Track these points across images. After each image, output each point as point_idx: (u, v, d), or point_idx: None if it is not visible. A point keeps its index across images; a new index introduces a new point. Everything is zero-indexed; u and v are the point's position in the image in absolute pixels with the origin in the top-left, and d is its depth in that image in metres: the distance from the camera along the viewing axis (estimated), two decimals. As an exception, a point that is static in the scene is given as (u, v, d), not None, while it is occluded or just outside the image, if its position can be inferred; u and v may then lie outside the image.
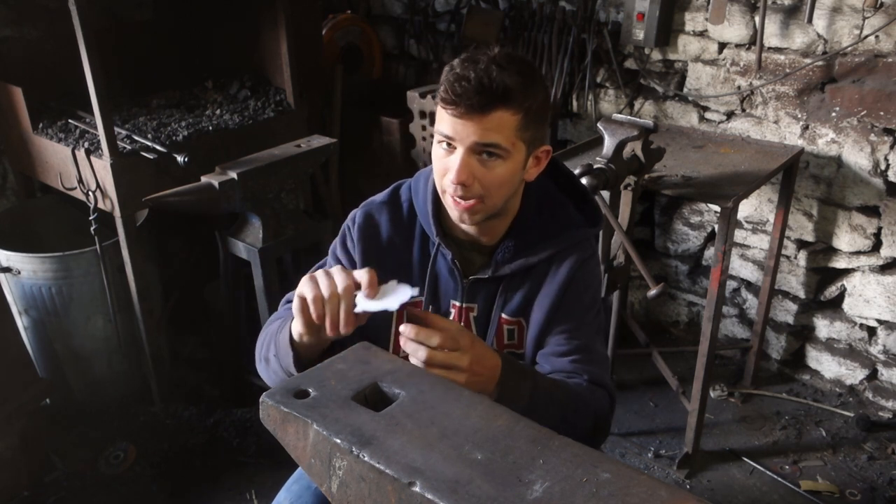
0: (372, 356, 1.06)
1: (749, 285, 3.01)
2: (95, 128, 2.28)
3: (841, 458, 2.55)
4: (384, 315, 1.38)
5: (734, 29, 2.67)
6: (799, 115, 2.63)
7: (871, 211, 2.59)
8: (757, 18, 2.57)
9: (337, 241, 1.45)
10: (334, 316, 1.12)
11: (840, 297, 2.79)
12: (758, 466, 2.50)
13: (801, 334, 2.93)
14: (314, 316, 1.13)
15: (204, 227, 2.70)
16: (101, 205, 2.34)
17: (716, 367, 2.88)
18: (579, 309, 1.37)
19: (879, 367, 2.76)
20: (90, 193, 2.33)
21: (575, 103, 3.16)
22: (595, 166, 2.04)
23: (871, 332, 2.75)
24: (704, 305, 2.76)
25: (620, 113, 2.91)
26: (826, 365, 2.88)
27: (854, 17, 2.40)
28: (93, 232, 2.34)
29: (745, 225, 2.90)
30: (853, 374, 2.82)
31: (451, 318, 1.41)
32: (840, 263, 2.73)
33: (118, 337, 2.55)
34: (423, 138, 2.90)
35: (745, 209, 2.86)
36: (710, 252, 3.08)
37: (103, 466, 2.40)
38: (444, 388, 0.99)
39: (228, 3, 2.80)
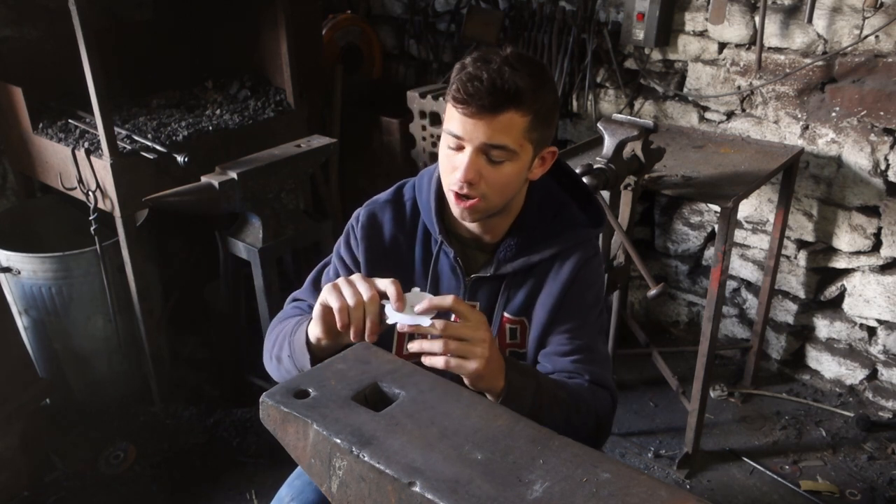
0: (372, 356, 1.06)
1: (749, 285, 3.01)
2: (95, 128, 2.28)
3: (841, 458, 2.55)
4: None
5: (734, 29, 2.67)
6: (799, 115, 2.63)
7: (871, 211, 2.59)
8: (757, 18, 2.57)
9: (341, 241, 1.46)
10: (359, 325, 1.14)
11: (840, 297, 2.79)
12: (758, 466, 2.50)
13: (801, 334, 2.93)
14: (339, 325, 1.14)
15: (204, 227, 2.70)
16: (101, 205, 2.34)
17: (716, 367, 2.88)
18: (582, 308, 1.38)
19: (879, 367, 2.76)
20: (90, 193, 2.33)
21: (575, 103, 3.16)
22: (595, 166, 2.04)
23: (871, 332, 2.75)
24: (704, 305, 2.76)
25: (620, 113, 2.91)
26: (826, 365, 2.88)
27: (854, 17, 2.40)
28: (93, 232, 2.34)
29: (745, 225, 2.90)
30: (853, 374, 2.82)
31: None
32: (840, 263, 2.73)
33: (118, 337, 2.54)
34: (423, 138, 2.90)
35: (745, 209, 2.86)
36: (710, 252, 3.08)
37: (103, 466, 2.40)
38: (444, 388, 0.99)
39: (228, 3, 2.80)
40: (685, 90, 2.88)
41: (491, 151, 1.22)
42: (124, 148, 2.30)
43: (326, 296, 1.15)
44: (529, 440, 0.88)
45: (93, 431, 2.55)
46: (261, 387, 2.59)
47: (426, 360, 1.11)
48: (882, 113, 2.44)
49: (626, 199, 2.24)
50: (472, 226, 1.37)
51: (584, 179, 2.00)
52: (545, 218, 1.38)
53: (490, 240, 1.39)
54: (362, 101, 3.35)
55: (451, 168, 1.26)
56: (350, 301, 1.13)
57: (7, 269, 2.40)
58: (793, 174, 2.54)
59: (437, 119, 2.78)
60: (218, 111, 2.64)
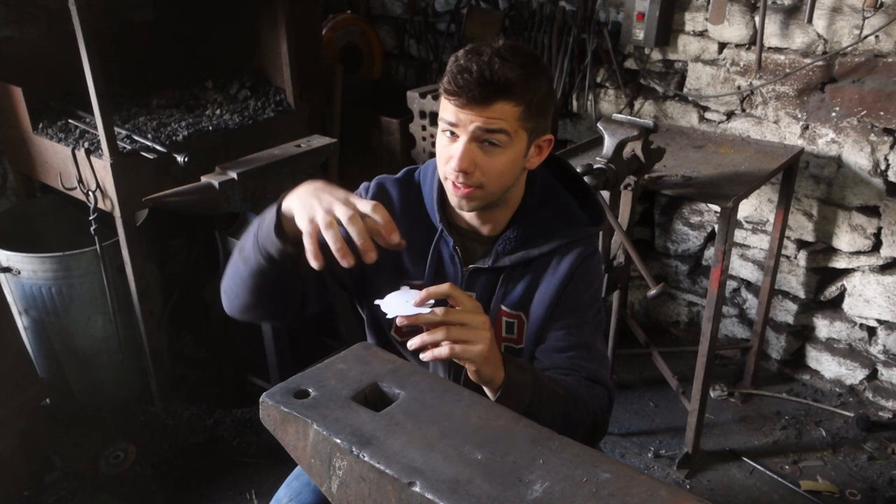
0: (372, 356, 1.06)
1: (749, 285, 3.01)
2: (95, 128, 2.28)
3: (841, 458, 2.55)
4: (392, 281, 1.39)
5: (734, 29, 2.67)
6: (799, 115, 2.63)
7: (871, 211, 2.59)
8: (757, 18, 2.57)
9: None
10: (342, 243, 1.06)
11: (840, 297, 2.79)
12: (758, 466, 2.50)
13: (801, 334, 2.93)
14: (342, 261, 1.06)
15: (204, 227, 2.70)
16: (101, 205, 2.34)
17: (716, 367, 2.89)
18: (580, 305, 1.38)
19: (879, 367, 2.76)
20: (90, 193, 2.33)
21: (575, 103, 3.16)
22: (595, 166, 2.04)
23: (871, 332, 2.75)
24: (704, 305, 2.76)
25: (620, 113, 2.91)
26: (826, 365, 2.88)
27: (854, 17, 2.40)
28: (93, 232, 2.34)
29: (745, 225, 2.90)
30: (853, 374, 2.82)
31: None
32: (840, 263, 2.73)
33: (118, 337, 2.54)
34: (423, 138, 2.90)
35: (745, 209, 2.86)
36: (710, 252, 3.08)
37: (103, 466, 2.40)
38: (444, 388, 0.99)
39: (228, 3, 2.80)
40: (685, 90, 2.88)
41: (484, 137, 1.23)
42: (124, 148, 2.30)
43: (306, 224, 1.08)
44: (529, 440, 0.88)
45: (93, 431, 2.55)
46: (261, 387, 2.59)
47: (428, 355, 1.10)
48: (882, 113, 2.44)
49: (626, 199, 2.24)
50: (470, 217, 1.37)
51: (584, 179, 2.00)
52: (545, 213, 1.39)
53: (489, 232, 1.39)
54: (362, 101, 3.35)
55: (447, 157, 1.27)
56: (344, 217, 1.06)
57: (7, 269, 2.40)
58: (793, 174, 2.54)
59: (437, 119, 2.77)
60: (218, 111, 2.64)
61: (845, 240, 2.67)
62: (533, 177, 1.39)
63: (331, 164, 3.18)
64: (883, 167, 2.51)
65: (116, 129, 2.34)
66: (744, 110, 2.76)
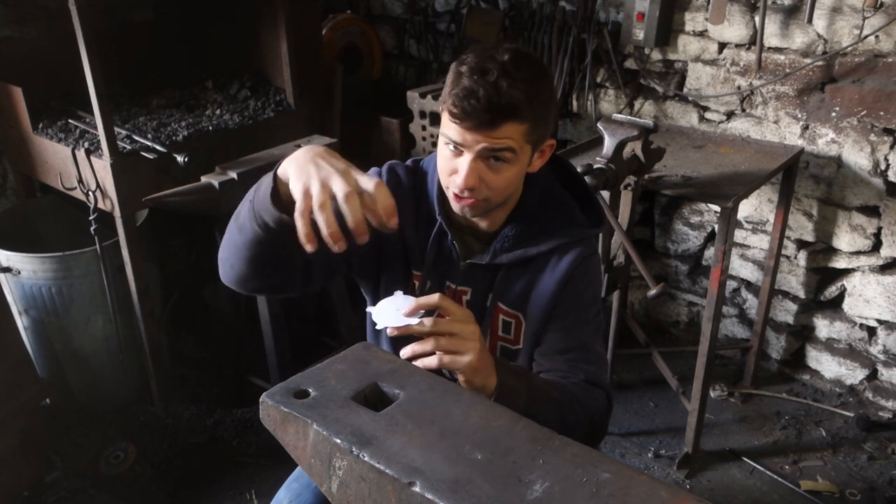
0: (372, 356, 1.06)
1: (749, 285, 3.01)
2: (95, 128, 2.28)
3: (841, 458, 2.55)
4: (393, 278, 1.40)
5: (734, 29, 2.67)
6: (799, 115, 2.63)
7: (871, 211, 2.59)
8: (757, 18, 2.56)
9: None
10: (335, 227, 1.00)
11: (840, 297, 2.79)
12: (758, 466, 2.50)
13: (801, 334, 2.93)
14: (333, 246, 1.00)
15: (204, 227, 2.70)
16: (101, 205, 2.34)
17: (716, 367, 2.89)
18: (579, 306, 1.38)
19: (879, 367, 2.76)
20: (90, 193, 2.33)
21: (575, 103, 3.16)
22: (595, 166, 2.04)
23: (871, 332, 2.75)
24: (704, 305, 2.76)
25: (620, 113, 2.91)
26: (826, 365, 2.88)
27: (854, 17, 2.40)
28: (93, 232, 2.34)
29: (745, 225, 2.90)
30: (853, 374, 2.82)
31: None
32: (840, 263, 2.73)
33: (118, 337, 2.54)
34: (423, 138, 2.90)
35: (745, 209, 2.86)
36: (710, 252, 3.08)
37: (103, 466, 2.40)
38: (444, 388, 0.99)
39: (229, 3, 2.80)
40: (685, 90, 2.88)
41: (490, 155, 1.23)
42: (124, 148, 2.30)
43: (318, 208, 1.00)
44: (529, 440, 0.88)
45: (93, 431, 2.55)
46: (261, 387, 2.59)
47: (419, 364, 1.10)
48: (882, 113, 2.44)
49: (626, 199, 2.24)
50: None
51: (585, 180, 2.00)
52: (545, 212, 1.39)
53: (487, 228, 1.39)
54: (362, 101, 3.35)
55: (451, 170, 1.27)
56: (351, 221, 1.00)
57: (7, 269, 2.40)
58: (793, 174, 2.54)
59: (437, 119, 2.78)
60: (218, 111, 2.64)
61: (845, 240, 2.67)
62: (533, 175, 1.39)
63: (331, 164, 3.17)
64: (883, 167, 2.51)
65: (116, 129, 2.34)
66: (744, 110, 2.76)
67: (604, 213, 1.46)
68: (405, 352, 1.11)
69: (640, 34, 2.78)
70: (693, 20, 2.77)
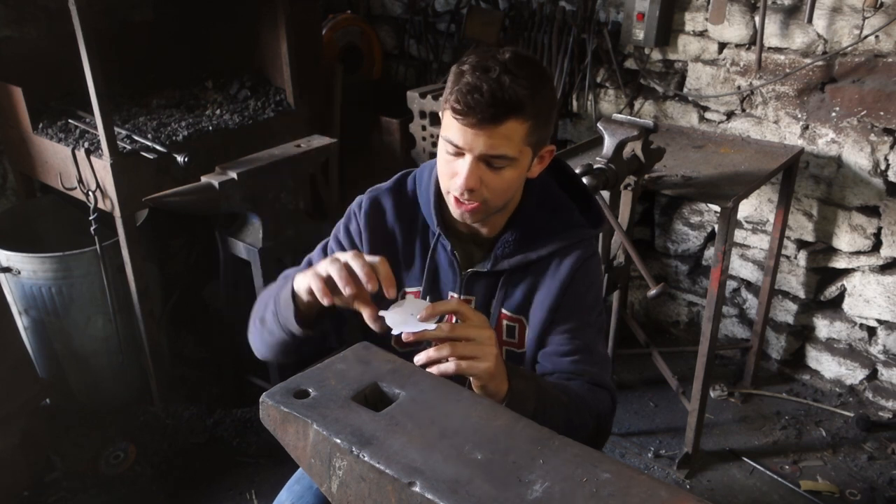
0: (372, 356, 1.06)
1: (749, 285, 3.01)
2: (95, 128, 2.28)
3: (841, 458, 2.55)
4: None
5: (734, 29, 2.67)
6: (799, 115, 2.63)
7: (871, 211, 2.59)
8: (757, 18, 2.57)
9: (340, 225, 1.45)
10: (357, 291, 1.13)
11: (840, 297, 2.79)
12: (758, 466, 2.50)
13: (801, 334, 2.93)
14: (345, 289, 1.12)
15: (204, 227, 2.70)
16: (101, 205, 2.34)
17: (716, 367, 2.88)
18: (581, 308, 1.38)
19: (879, 367, 2.76)
20: (90, 193, 2.33)
21: (575, 103, 3.16)
22: (595, 166, 2.04)
23: (871, 332, 2.75)
24: (704, 305, 2.76)
25: (620, 113, 2.91)
26: (826, 365, 2.88)
27: (854, 17, 2.40)
28: (93, 232, 2.34)
29: (745, 225, 2.90)
30: (853, 374, 2.82)
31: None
32: (840, 263, 2.73)
33: (118, 337, 2.54)
34: (423, 138, 2.90)
35: (745, 209, 2.86)
36: (710, 252, 3.08)
37: (103, 466, 2.40)
38: (444, 388, 0.99)
39: (228, 4, 2.80)
40: (685, 90, 2.88)
41: (491, 160, 1.23)
42: (124, 148, 2.30)
43: (309, 279, 1.15)
44: (529, 440, 0.88)
45: (93, 431, 2.55)
46: (261, 387, 2.59)
47: (434, 371, 1.09)
48: (882, 113, 2.44)
49: (626, 199, 2.24)
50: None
51: (584, 179, 2.00)
52: (544, 215, 1.39)
53: (487, 234, 1.39)
54: (362, 101, 3.35)
55: (451, 173, 1.26)
56: (359, 271, 1.12)
57: (7, 269, 2.40)
58: (793, 174, 2.54)
59: (436, 119, 2.78)
60: (218, 111, 2.64)
61: (845, 240, 2.67)
62: (531, 178, 1.39)
63: (331, 164, 3.18)
64: (883, 167, 2.51)
65: (116, 129, 2.34)
66: (744, 110, 2.76)
67: (603, 213, 1.46)
68: (420, 358, 1.10)
69: (640, 34, 2.78)
70: (693, 20, 2.77)
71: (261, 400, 0.96)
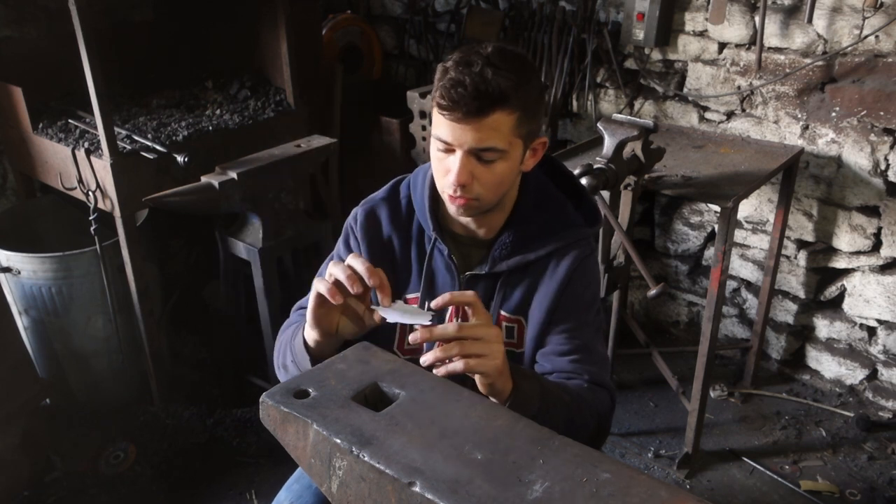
0: (372, 356, 1.06)
1: (749, 285, 3.01)
2: (95, 128, 2.28)
3: (841, 458, 2.55)
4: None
5: (734, 29, 2.67)
6: (799, 115, 2.63)
7: (871, 211, 2.59)
8: (757, 18, 2.57)
9: (340, 243, 1.46)
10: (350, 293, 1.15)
11: (840, 297, 2.79)
12: (758, 466, 2.50)
13: (801, 334, 2.93)
14: (333, 300, 1.13)
15: (204, 227, 2.70)
16: (101, 205, 2.34)
17: (716, 367, 2.89)
18: (579, 308, 1.38)
19: (879, 367, 2.76)
20: (90, 193, 2.33)
21: (575, 103, 3.16)
22: (595, 166, 2.04)
23: (871, 332, 2.75)
24: (704, 305, 2.76)
25: (620, 113, 2.91)
26: (826, 365, 2.88)
27: (854, 17, 2.40)
28: (93, 232, 2.34)
29: (745, 225, 2.90)
30: (853, 374, 2.82)
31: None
32: (840, 263, 2.73)
33: (118, 337, 2.54)
34: (423, 138, 2.90)
35: (745, 209, 2.86)
36: (710, 252, 3.08)
37: (103, 466, 2.40)
38: (444, 388, 0.99)
39: (228, 3, 2.80)
40: (685, 90, 2.88)
41: (481, 153, 1.23)
42: (124, 148, 2.30)
43: (316, 286, 1.16)
44: (529, 440, 0.88)
45: (93, 431, 2.55)
46: (261, 387, 2.59)
47: (442, 370, 1.08)
48: (882, 113, 2.44)
49: (626, 199, 2.24)
50: (466, 222, 1.37)
51: (584, 179, 2.00)
52: (541, 215, 1.38)
53: (484, 236, 1.39)
54: (362, 101, 3.35)
55: (444, 171, 1.26)
56: (342, 276, 1.14)
57: (7, 269, 2.40)
58: (793, 174, 2.54)
59: (437, 119, 2.77)
60: (218, 111, 2.64)
61: (845, 240, 2.67)
62: (527, 178, 1.38)
63: (331, 164, 3.18)
64: (883, 167, 2.51)
65: (116, 129, 2.34)
66: (744, 110, 2.76)
67: (599, 212, 1.46)
68: (427, 358, 1.09)
69: (640, 34, 2.78)
70: (693, 20, 2.77)
71: (261, 400, 0.96)
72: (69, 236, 2.59)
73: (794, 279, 2.86)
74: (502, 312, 1.40)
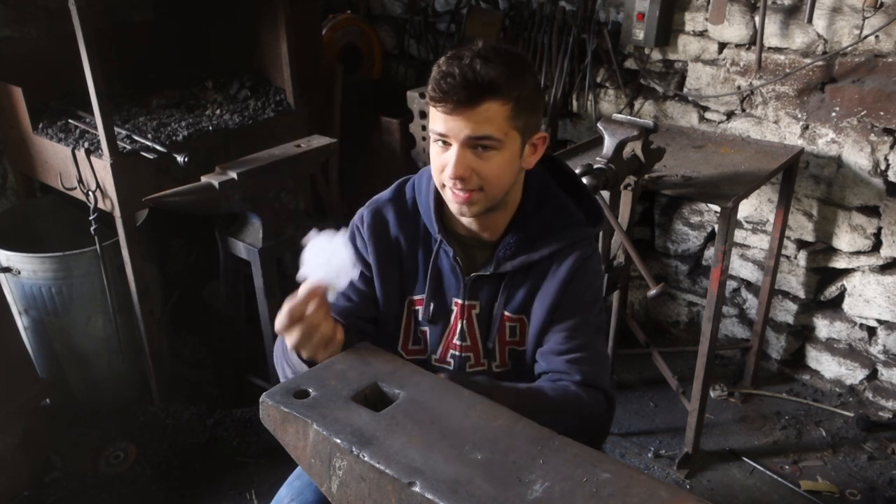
0: (372, 356, 1.06)
1: (749, 285, 3.01)
2: (95, 128, 2.28)
3: (841, 458, 2.55)
4: (398, 302, 1.41)
5: (734, 29, 2.67)
6: (799, 115, 2.63)
7: (871, 211, 2.59)
8: (757, 18, 2.56)
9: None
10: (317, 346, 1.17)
11: (840, 297, 2.79)
12: (758, 466, 2.50)
13: (801, 334, 2.93)
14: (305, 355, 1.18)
15: (204, 227, 2.70)
16: (101, 205, 2.34)
17: (716, 367, 2.88)
18: (580, 307, 1.38)
19: (879, 367, 2.76)
20: (90, 193, 2.33)
21: (575, 103, 3.16)
22: (595, 166, 2.04)
23: (871, 332, 2.75)
24: (704, 305, 2.76)
25: (620, 113, 2.91)
26: (826, 365, 2.88)
27: (854, 17, 2.40)
28: (93, 232, 2.34)
29: (745, 225, 2.90)
30: (853, 374, 2.82)
31: (454, 315, 1.42)
32: (840, 263, 2.73)
33: (118, 337, 2.54)
34: (423, 138, 2.90)
35: (745, 209, 2.86)
36: (710, 252, 3.08)
37: (103, 466, 2.40)
38: (444, 388, 0.99)
39: (228, 3, 2.80)
40: (685, 90, 2.88)
41: (477, 144, 1.23)
42: (124, 148, 2.30)
43: (282, 336, 1.20)
44: (529, 440, 0.89)
45: (93, 431, 2.55)
46: (261, 387, 2.59)
47: None
48: (882, 113, 2.43)
49: (626, 199, 2.24)
50: (470, 223, 1.37)
51: (585, 179, 2.00)
52: (544, 215, 1.39)
53: (489, 237, 1.39)
54: (362, 101, 3.35)
55: (442, 165, 1.27)
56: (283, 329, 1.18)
57: (7, 269, 2.40)
58: (793, 174, 2.54)
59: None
60: (218, 111, 2.64)
61: (845, 240, 2.67)
62: (529, 178, 1.39)
63: (331, 164, 3.18)
64: (883, 167, 2.51)
65: (116, 129, 2.34)
66: (744, 110, 2.76)
67: (602, 212, 1.47)
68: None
69: (640, 34, 2.78)
70: (693, 20, 2.77)
71: (261, 400, 0.96)
72: (69, 236, 2.59)
73: (794, 279, 2.86)
74: (506, 312, 1.40)
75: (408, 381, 1.00)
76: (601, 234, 2.31)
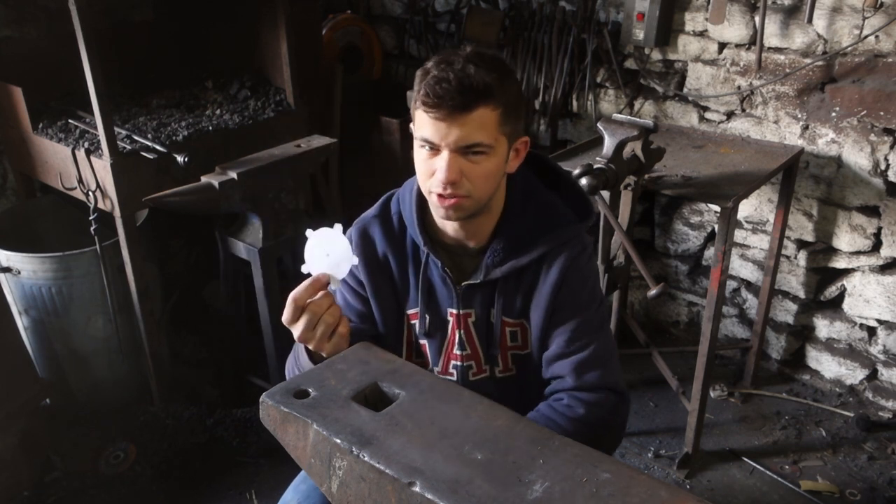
0: (372, 356, 1.06)
1: (749, 285, 3.01)
2: (95, 128, 2.28)
3: (841, 458, 2.55)
4: (396, 318, 1.40)
5: (734, 29, 2.67)
6: (799, 115, 2.63)
7: (871, 211, 2.59)
8: (757, 18, 2.57)
9: None
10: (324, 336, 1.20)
11: (840, 297, 2.79)
12: (758, 466, 2.50)
13: (801, 334, 2.93)
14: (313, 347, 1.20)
15: (204, 227, 2.70)
16: (101, 205, 2.34)
17: (716, 367, 2.88)
18: (577, 308, 1.37)
19: (879, 367, 2.76)
20: (90, 193, 2.33)
21: (575, 103, 3.16)
22: (595, 166, 2.04)
23: (871, 332, 2.75)
24: (704, 305, 2.76)
25: (620, 113, 2.91)
26: (826, 365, 2.88)
27: (854, 17, 2.40)
28: (93, 232, 2.34)
29: (745, 225, 2.90)
30: (853, 374, 2.82)
31: (451, 326, 1.41)
32: (840, 263, 2.73)
33: (118, 337, 2.54)
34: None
35: (745, 209, 2.86)
36: (710, 252, 3.08)
37: (103, 466, 2.40)
38: (444, 388, 0.99)
39: (228, 3, 2.80)
40: (685, 90, 2.88)
41: (468, 150, 1.22)
42: (124, 148, 2.30)
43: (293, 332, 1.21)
44: (529, 440, 0.89)
45: (93, 431, 2.55)
46: (261, 387, 2.59)
47: None
48: (882, 113, 2.44)
49: (626, 199, 2.24)
50: (456, 231, 1.36)
51: (584, 179, 2.00)
52: (529, 218, 1.37)
53: (475, 244, 1.38)
54: (362, 101, 3.35)
55: (429, 172, 1.25)
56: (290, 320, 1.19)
57: (7, 269, 2.40)
58: (793, 174, 2.54)
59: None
60: (218, 111, 2.64)
61: (845, 240, 2.67)
62: (512, 180, 1.37)
63: (331, 164, 3.18)
64: (883, 167, 2.51)
65: (116, 129, 2.34)
66: (744, 110, 2.76)
67: (590, 205, 1.44)
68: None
69: (640, 34, 2.78)
70: (693, 20, 2.77)
71: (261, 400, 0.96)
72: (69, 236, 2.59)
73: (794, 279, 2.86)
74: (505, 318, 1.39)
75: (408, 381, 1.00)
76: (601, 234, 2.31)
